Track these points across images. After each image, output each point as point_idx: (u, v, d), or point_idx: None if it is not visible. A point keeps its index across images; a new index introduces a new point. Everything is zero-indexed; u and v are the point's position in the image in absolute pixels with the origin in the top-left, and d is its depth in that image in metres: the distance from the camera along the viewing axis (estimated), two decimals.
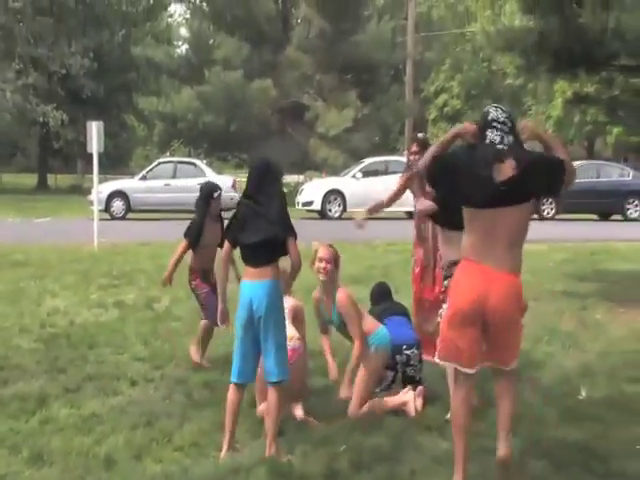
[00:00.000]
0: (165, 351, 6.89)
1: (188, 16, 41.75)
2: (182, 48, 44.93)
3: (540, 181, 3.99)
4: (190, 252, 6.71)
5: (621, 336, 7.67)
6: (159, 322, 8.06)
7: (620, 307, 9.00)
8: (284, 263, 4.72)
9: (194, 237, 6.53)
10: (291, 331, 5.13)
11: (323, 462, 4.46)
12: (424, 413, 5.28)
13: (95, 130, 14.03)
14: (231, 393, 4.68)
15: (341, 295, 5.26)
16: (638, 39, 8.94)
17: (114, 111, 42.65)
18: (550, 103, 40.36)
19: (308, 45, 32.98)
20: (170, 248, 14.02)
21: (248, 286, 4.60)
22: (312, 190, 23.38)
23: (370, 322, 5.44)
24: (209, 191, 6.67)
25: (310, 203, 22.79)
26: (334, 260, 5.26)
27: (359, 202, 22.56)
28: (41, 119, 36.38)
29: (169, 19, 54.04)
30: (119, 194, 22.49)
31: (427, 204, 5.70)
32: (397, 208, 20.10)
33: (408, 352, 5.63)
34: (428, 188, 6.12)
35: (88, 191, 23.29)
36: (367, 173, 22.89)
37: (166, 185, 22.77)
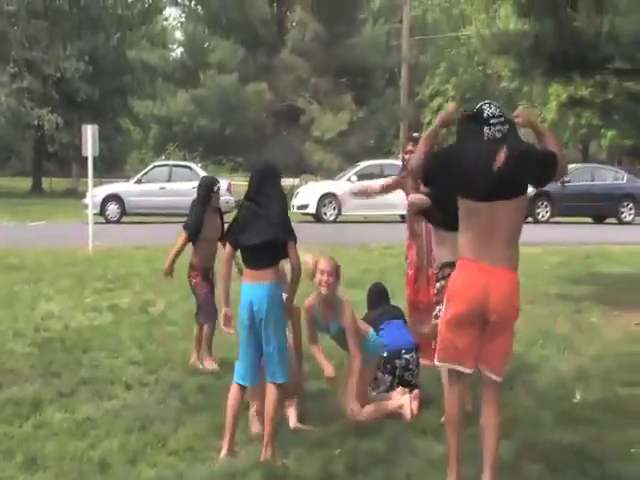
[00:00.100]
0: (160, 355, 6.88)
1: (183, 19, 41.87)
2: (177, 51, 45.01)
3: (533, 172, 4.00)
4: (191, 248, 6.61)
5: (616, 339, 7.69)
6: (154, 326, 8.04)
7: (614, 310, 9.01)
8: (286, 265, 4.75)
9: (193, 229, 6.50)
10: None
11: (318, 466, 4.45)
12: (419, 416, 5.28)
13: (90, 133, 14.01)
14: (233, 393, 4.68)
15: (348, 313, 5.21)
16: (632, 43, 8.97)
17: (109, 114, 42.61)
18: (545, 106, 40.41)
19: (303, 48, 33.02)
20: (165, 252, 14.04)
21: (248, 288, 4.60)
22: (307, 193, 23.39)
23: (362, 327, 5.39)
24: (210, 184, 6.66)
25: (305, 206, 22.79)
26: (335, 272, 5.20)
27: (354, 205, 22.68)
28: (36, 122, 36.36)
29: (164, 22, 54.05)
30: (114, 197, 22.47)
31: (419, 197, 5.69)
32: (392, 211, 20.21)
33: (407, 356, 5.63)
34: (423, 188, 6.14)
35: (83, 195, 23.26)
36: (362, 176, 22.87)
37: (161, 189, 22.74)
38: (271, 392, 4.58)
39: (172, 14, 76.59)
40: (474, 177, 3.92)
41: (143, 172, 23.96)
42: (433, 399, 5.43)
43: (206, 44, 36.29)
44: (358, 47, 34.10)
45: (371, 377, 5.50)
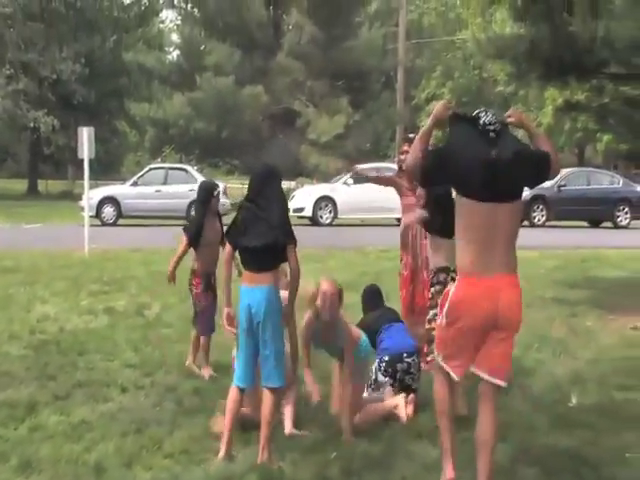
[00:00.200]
0: (155, 358, 6.86)
1: (179, 22, 41.86)
2: (173, 54, 45.04)
3: (527, 173, 4.01)
4: (193, 254, 6.58)
5: (611, 343, 7.70)
6: (149, 329, 8.03)
7: (610, 314, 9.03)
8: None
9: (194, 232, 6.45)
10: None
11: (314, 469, 4.45)
12: (415, 420, 5.28)
13: (86, 136, 14.00)
14: (232, 396, 4.69)
15: (350, 339, 5.16)
16: (627, 47, 9.00)
17: (105, 117, 42.56)
18: (541, 110, 40.49)
19: (299, 51, 33.04)
20: (161, 254, 14.11)
21: (247, 291, 4.61)
22: (303, 196, 23.39)
23: (355, 334, 5.34)
24: (210, 189, 6.63)
25: (301, 209, 22.78)
26: (338, 296, 5.10)
27: (350, 209, 22.72)
28: (32, 125, 36.31)
29: (160, 25, 54.11)
30: (110, 200, 22.44)
31: (416, 214, 5.69)
32: (388, 215, 20.22)
33: (408, 360, 5.61)
34: (420, 191, 6.15)
35: (79, 197, 23.27)
36: (358, 180, 22.86)
37: (157, 191, 22.73)
38: (267, 396, 4.59)
39: (168, 17, 76.59)
40: (472, 173, 3.90)
41: (139, 175, 23.94)
42: (428, 403, 5.42)
43: (202, 47, 36.29)
44: (354, 50, 34.15)
45: (362, 391, 5.47)
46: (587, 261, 13.94)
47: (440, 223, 5.24)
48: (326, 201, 22.95)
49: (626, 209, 23.30)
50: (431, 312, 5.31)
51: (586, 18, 9.22)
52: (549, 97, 34.24)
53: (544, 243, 16.02)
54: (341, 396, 5.19)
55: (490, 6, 16.10)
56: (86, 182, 15.11)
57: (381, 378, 5.65)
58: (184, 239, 6.52)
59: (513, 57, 10.61)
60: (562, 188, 22.81)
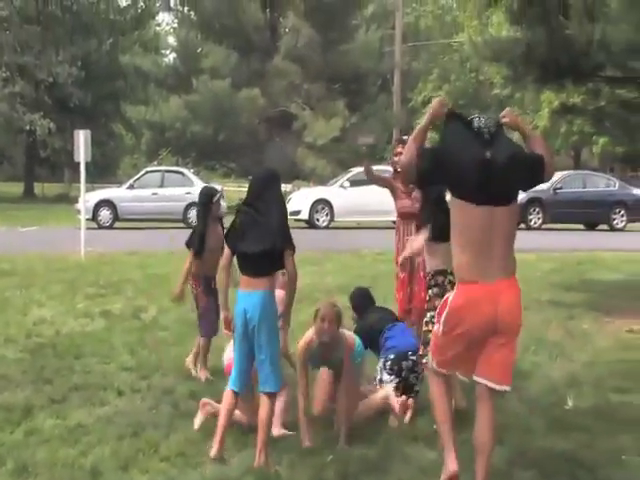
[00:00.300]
0: (152, 361, 6.86)
1: (176, 25, 41.85)
2: (170, 57, 45.04)
3: (521, 176, 4.00)
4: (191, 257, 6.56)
5: (607, 346, 7.71)
6: (146, 332, 8.02)
7: (606, 317, 9.05)
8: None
9: (199, 244, 6.43)
10: None
11: (310, 472, 4.45)
12: (411, 423, 5.27)
13: (82, 139, 13.99)
14: (227, 399, 4.70)
15: (349, 355, 5.15)
16: (623, 51, 9.02)
17: (102, 120, 42.52)
18: (537, 113, 40.55)
19: (296, 54, 33.06)
20: (157, 257, 14.11)
21: (243, 296, 4.61)
22: (300, 199, 23.38)
23: (350, 340, 5.30)
24: (208, 196, 6.62)
25: (298, 212, 22.77)
26: (337, 319, 5.08)
27: (347, 211, 22.73)
28: (28, 127, 36.30)
29: (157, 28, 54.00)
30: (106, 203, 22.43)
31: (419, 243, 5.64)
32: (384, 218, 20.22)
33: (413, 358, 5.60)
34: (416, 194, 6.15)
35: (75, 200, 23.22)
36: (355, 182, 22.88)
37: (154, 194, 22.72)
38: (264, 401, 4.59)
39: (165, 19, 76.78)
40: (467, 174, 3.89)
41: (135, 177, 23.94)
42: (425, 407, 5.43)
43: (199, 49, 36.31)
44: (351, 53, 34.19)
45: (358, 395, 5.46)
46: (583, 264, 13.97)
47: (439, 230, 5.22)
48: (322, 204, 22.96)
49: (622, 212, 23.35)
50: (428, 314, 5.31)
51: (582, 21, 9.25)
52: (545, 100, 34.31)
53: (540, 246, 16.04)
54: (338, 403, 5.20)
55: (486, 9, 16.14)
56: (82, 185, 15.09)
57: (386, 377, 5.64)
58: (190, 253, 6.44)
59: (509, 60, 10.62)
60: (558, 191, 22.85)
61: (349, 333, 5.40)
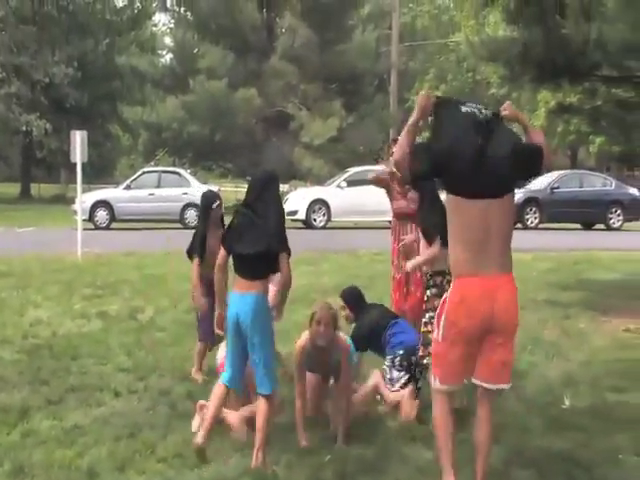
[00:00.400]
0: (149, 362, 6.85)
1: (172, 25, 41.77)
2: (166, 57, 44.94)
3: (520, 166, 3.97)
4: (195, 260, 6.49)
5: (604, 345, 7.72)
6: (143, 333, 8.01)
7: (602, 316, 9.06)
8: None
9: (200, 247, 6.39)
10: None
11: (308, 472, 4.45)
12: (409, 424, 5.27)
13: (79, 139, 13.97)
14: (217, 391, 4.72)
15: (347, 358, 5.13)
16: (620, 50, 9.03)
17: (98, 120, 42.51)
18: (534, 113, 40.61)
19: (293, 54, 33.04)
20: (154, 258, 14.09)
21: (236, 298, 4.61)
22: (297, 199, 23.38)
23: (344, 339, 5.29)
24: (207, 203, 6.58)
25: (295, 212, 22.77)
26: (333, 322, 5.06)
27: (344, 212, 22.73)
28: (24, 128, 36.29)
29: (153, 28, 53.99)
30: (103, 204, 22.43)
31: (432, 254, 5.62)
32: (382, 218, 20.23)
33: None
34: (411, 194, 6.15)
35: (72, 200, 23.20)
36: (352, 182, 22.92)
37: (150, 195, 22.72)
38: (260, 402, 4.59)
39: (161, 20, 76.75)
40: (461, 162, 3.86)
41: (132, 178, 23.95)
42: (425, 407, 5.44)
43: (196, 50, 36.25)
44: (347, 53, 34.18)
45: (353, 393, 5.47)
46: (580, 263, 13.98)
47: (440, 231, 5.20)
48: (319, 204, 22.96)
49: (618, 211, 23.39)
50: (427, 315, 5.31)
51: (579, 21, 9.25)
52: (542, 99, 34.41)
53: (537, 245, 16.05)
54: (334, 403, 5.22)
55: (483, 9, 16.15)
56: (79, 186, 15.07)
57: (396, 374, 5.63)
58: (196, 260, 6.38)
59: (506, 60, 10.62)
60: (555, 190, 22.89)
61: (343, 335, 5.39)
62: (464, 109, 3.97)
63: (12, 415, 5.35)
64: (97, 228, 21.68)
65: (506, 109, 4.09)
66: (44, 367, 6.61)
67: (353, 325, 5.95)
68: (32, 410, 5.48)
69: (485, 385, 4.01)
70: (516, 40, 10.44)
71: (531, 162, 4.03)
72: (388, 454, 4.74)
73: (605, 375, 6.52)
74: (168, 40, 43.80)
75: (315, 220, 22.89)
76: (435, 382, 4.07)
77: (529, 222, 22.60)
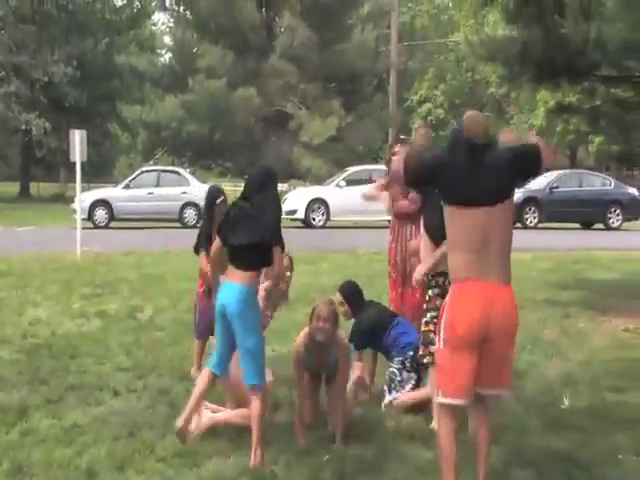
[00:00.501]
0: (148, 361, 6.84)
1: (172, 24, 41.80)
2: (166, 56, 44.98)
3: (518, 165, 3.97)
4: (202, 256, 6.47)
5: (603, 345, 7.72)
6: (142, 332, 8.00)
7: (602, 316, 9.06)
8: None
9: (205, 243, 6.37)
10: None
11: (306, 472, 4.44)
12: (408, 423, 5.27)
13: (78, 138, 13.96)
14: (204, 375, 4.84)
15: (344, 357, 5.13)
16: (619, 50, 9.02)
17: (97, 119, 42.50)
18: (533, 112, 40.64)
19: (292, 54, 33.05)
20: (153, 257, 14.09)
21: (226, 286, 4.67)
22: (296, 199, 23.37)
23: (344, 338, 5.29)
24: (212, 199, 6.58)
25: (294, 212, 22.78)
26: (333, 319, 5.06)
27: (343, 211, 22.72)
28: (23, 127, 36.29)
29: (153, 27, 54.05)
30: (102, 203, 22.41)
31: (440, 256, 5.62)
32: (381, 217, 20.23)
33: None
34: (413, 195, 6.14)
35: (71, 200, 23.21)
36: (351, 182, 22.92)
37: (149, 194, 22.71)
38: (254, 401, 4.60)
39: (161, 19, 76.48)
40: (455, 170, 3.89)
41: (131, 177, 23.93)
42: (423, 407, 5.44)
43: (195, 49, 36.29)
44: (347, 53, 34.19)
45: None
46: (579, 263, 13.98)
47: (442, 224, 5.20)
48: (318, 203, 22.96)
49: (618, 211, 23.40)
50: (428, 314, 5.29)
51: (578, 20, 9.24)
52: (541, 99, 34.40)
53: (536, 245, 16.06)
54: (331, 403, 5.23)
55: (482, 8, 16.15)
56: (78, 185, 15.06)
57: (405, 375, 5.63)
58: (202, 255, 6.36)
59: (505, 59, 10.62)
60: (554, 190, 22.90)
61: (341, 336, 5.38)
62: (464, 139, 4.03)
63: (11, 414, 5.35)
64: (96, 227, 21.67)
65: (504, 138, 4.14)
66: (43, 366, 6.60)
67: (353, 321, 5.94)
68: (31, 409, 5.48)
69: (482, 392, 4.00)
70: (515, 40, 10.43)
71: (529, 161, 4.01)
72: (387, 454, 4.74)
73: (604, 375, 6.52)
74: (167, 39, 43.89)
75: (314, 219, 22.89)
76: (439, 396, 4.02)
77: (528, 222, 22.60)
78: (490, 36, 12.35)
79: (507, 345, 3.98)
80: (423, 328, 5.37)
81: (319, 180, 27.73)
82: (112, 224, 22.27)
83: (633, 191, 24.18)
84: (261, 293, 5.15)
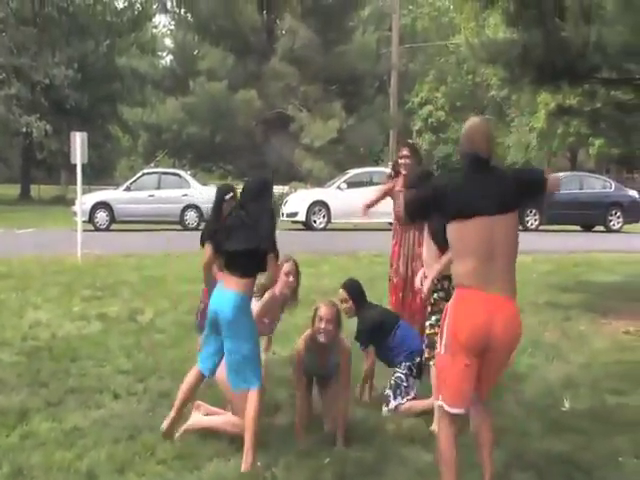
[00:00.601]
0: (148, 364, 6.84)
1: (173, 27, 41.79)
2: (166, 59, 44.96)
3: (522, 182, 4.02)
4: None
5: (604, 347, 7.72)
6: (142, 334, 8.00)
7: (603, 318, 9.06)
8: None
9: (207, 236, 6.35)
10: None
11: (307, 474, 4.44)
12: (408, 425, 5.27)
13: (79, 141, 13.96)
14: (191, 375, 4.89)
15: (346, 360, 5.13)
16: (619, 53, 9.03)
17: (98, 122, 42.57)
18: (533, 115, 40.66)
19: (293, 56, 33.06)
20: (154, 259, 14.09)
21: (219, 292, 4.69)
22: (297, 201, 23.39)
23: (346, 341, 5.29)
24: (221, 194, 6.60)
25: (295, 214, 22.79)
26: (336, 320, 5.06)
27: (344, 213, 22.71)
28: (24, 129, 36.32)
29: (154, 30, 54.03)
30: (103, 205, 22.43)
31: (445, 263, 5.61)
32: (381, 219, 20.23)
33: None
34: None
35: (72, 202, 23.21)
36: (352, 184, 22.94)
37: (150, 196, 22.72)
38: (249, 404, 4.59)
39: (162, 21, 76.96)
40: (462, 194, 3.93)
41: (132, 180, 23.93)
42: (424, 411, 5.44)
43: (196, 51, 36.27)
44: (348, 55, 34.18)
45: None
46: (580, 265, 13.98)
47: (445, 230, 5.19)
48: (319, 206, 22.97)
49: (618, 213, 23.42)
50: (433, 318, 5.29)
51: (578, 23, 9.25)
52: (542, 101, 34.42)
53: (537, 247, 16.04)
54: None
55: (483, 11, 16.16)
56: (79, 187, 15.07)
57: (411, 381, 5.64)
58: (207, 247, 6.35)
59: (506, 62, 10.63)
60: (555, 192, 22.89)
61: (344, 339, 5.38)
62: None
63: (11, 417, 5.34)
64: (97, 229, 21.68)
65: None
66: (43, 369, 6.60)
67: (356, 322, 5.92)
68: (31, 412, 5.47)
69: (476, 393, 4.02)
70: (516, 42, 10.44)
71: (533, 179, 4.09)
72: (387, 456, 4.73)
73: (605, 377, 6.51)
74: (168, 41, 43.82)
75: (315, 222, 22.89)
76: (442, 404, 4.00)
77: (529, 224, 22.61)
78: (491, 39, 12.37)
79: (505, 358, 4.00)
80: (428, 331, 5.37)
81: (320, 182, 27.73)
82: (113, 226, 22.28)
83: (633, 193, 24.19)
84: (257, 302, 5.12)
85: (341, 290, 5.87)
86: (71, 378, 6.37)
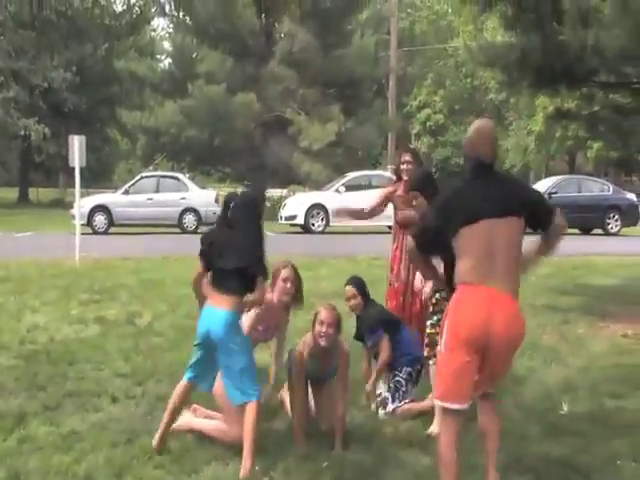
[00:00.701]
0: (147, 367, 6.83)
1: (171, 30, 41.87)
2: (165, 62, 45.02)
3: (521, 196, 4.08)
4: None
5: (602, 351, 7.71)
6: (140, 338, 7.99)
7: (601, 322, 9.06)
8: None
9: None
10: None
11: (305, 478, 4.43)
12: (406, 429, 5.27)
13: (77, 144, 13.97)
14: (180, 386, 4.87)
15: (345, 365, 5.13)
16: (616, 56, 9.05)
17: (97, 125, 42.55)
18: (532, 118, 40.73)
19: (291, 59, 33.08)
20: (152, 263, 14.08)
21: (209, 311, 4.67)
22: (295, 204, 23.39)
23: (345, 344, 5.28)
24: (228, 200, 6.62)
25: (293, 217, 22.79)
26: (336, 324, 5.04)
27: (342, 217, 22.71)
28: (22, 133, 36.30)
29: (152, 33, 54.13)
30: (101, 208, 22.44)
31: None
32: (380, 222, 20.24)
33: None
34: (419, 200, 6.12)
35: (70, 205, 23.24)
36: (350, 187, 22.96)
37: (149, 199, 22.73)
38: (247, 414, 4.59)
39: (160, 24, 76.85)
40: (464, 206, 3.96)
41: (130, 183, 23.95)
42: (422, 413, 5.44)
43: (194, 55, 36.30)
44: (346, 58, 34.22)
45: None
46: (578, 268, 13.98)
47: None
48: (318, 209, 22.97)
49: (616, 216, 23.45)
50: (435, 317, 5.30)
51: (576, 27, 9.27)
52: (540, 105, 34.44)
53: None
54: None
55: (481, 14, 16.18)
56: (77, 190, 15.07)
57: (410, 387, 5.65)
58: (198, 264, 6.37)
59: (504, 65, 10.65)
60: (553, 195, 22.91)
61: (343, 341, 5.38)
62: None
63: (8, 421, 5.33)
64: (95, 233, 21.68)
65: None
66: (41, 373, 6.58)
67: (356, 323, 5.90)
68: (29, 416, 5.46)
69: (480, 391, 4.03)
70: (514, 46, 10.47)
71: (542, 208, 4.27)
72: (385, 460, 4.73)
73: (603, 381, 6.51)
74: (167, 45, 43.97)
75: (313, 225, 22.88)
76: (441, 402, 3.99)
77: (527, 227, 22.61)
78: (489, 42, 12.36)
79: (508, 356, 4.00)
80: (429, 330, 5.37)
81: (318, 185, 27.75)
82: (111, 230, 22.28)
83: (631, 197, 24.23)
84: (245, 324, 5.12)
85: (349, 287, 5.82)
86: (69, 382, 6.36)
